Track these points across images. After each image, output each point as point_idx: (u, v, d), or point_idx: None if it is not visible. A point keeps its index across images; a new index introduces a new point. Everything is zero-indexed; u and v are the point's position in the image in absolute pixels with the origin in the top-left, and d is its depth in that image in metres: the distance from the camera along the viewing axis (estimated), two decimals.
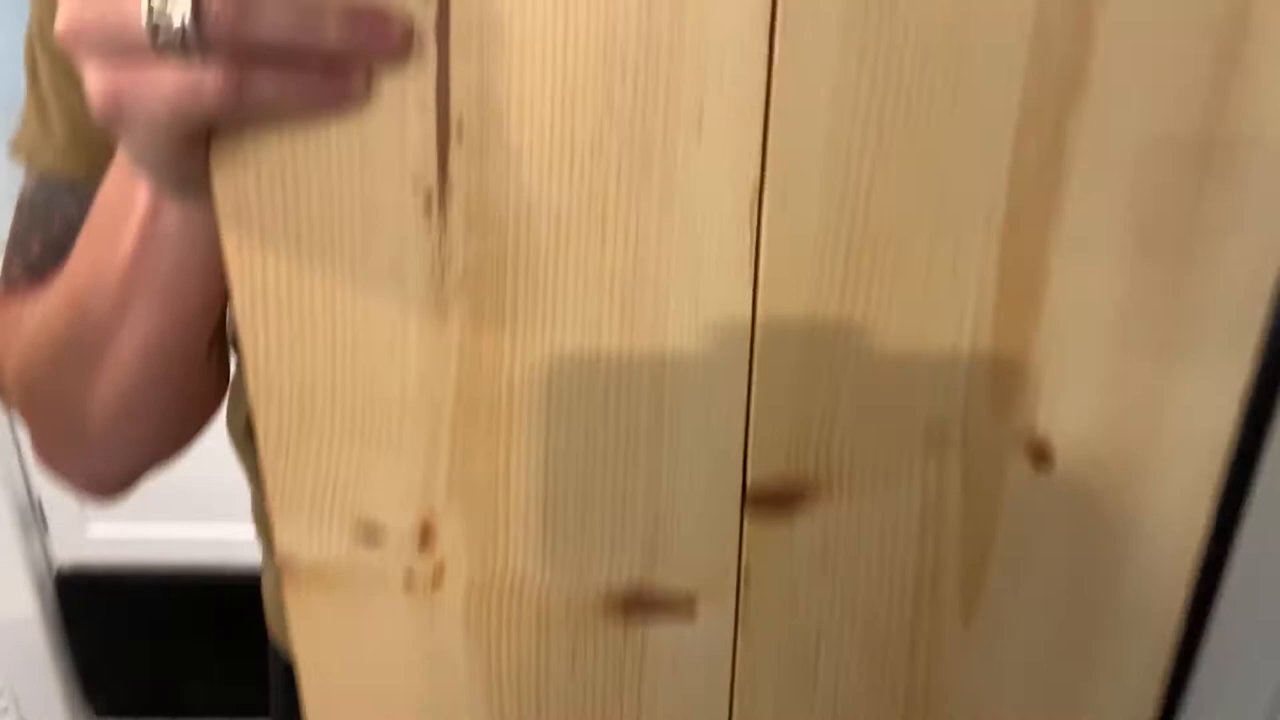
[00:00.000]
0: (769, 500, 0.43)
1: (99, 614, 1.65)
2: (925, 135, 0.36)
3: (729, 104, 0.36)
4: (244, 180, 0.37)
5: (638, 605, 0.45)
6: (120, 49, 0.33)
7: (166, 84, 0.33)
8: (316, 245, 0.39)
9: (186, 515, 1.56)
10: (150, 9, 0.32)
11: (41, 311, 0.51)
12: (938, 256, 0.38)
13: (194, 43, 0.32)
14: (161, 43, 0.32)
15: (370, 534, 0.44)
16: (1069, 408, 0.41)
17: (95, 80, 0.34)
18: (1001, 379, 0.40)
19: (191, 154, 0.36)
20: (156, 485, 0.60)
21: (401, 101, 0.36)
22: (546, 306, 0.39)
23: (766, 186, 0.37)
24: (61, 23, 0.33)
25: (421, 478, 0.43)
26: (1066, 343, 0.40)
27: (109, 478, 0.56)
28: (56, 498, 1.58)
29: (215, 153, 0.37)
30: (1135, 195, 0.37)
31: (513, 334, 0.40)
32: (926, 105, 0.36)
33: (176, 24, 0.32)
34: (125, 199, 0.43)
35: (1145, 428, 0.41)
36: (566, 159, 0.37)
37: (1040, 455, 0.42)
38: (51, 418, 0.53)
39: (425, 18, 0.35)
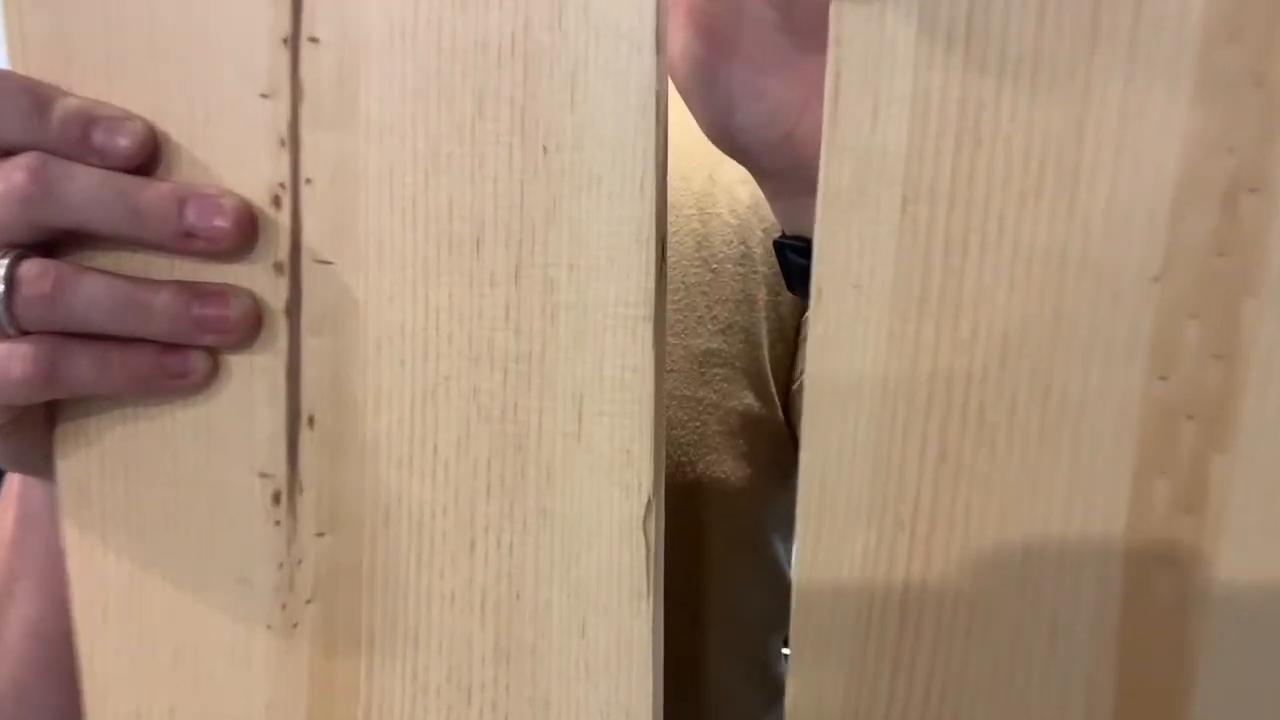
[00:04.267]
0: None
1: None
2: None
3: (614, 399, 0.31)
4: (86, 464, 0.34)
5: None
6: None
7: None
8: (159, 543, 0.34)
9: None
10: None
11: None
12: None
13: (5, 320, 0.30)
14: None
15: None
16: None
17: None
18: None
19: (11, 436, 0.33)
20: None
21: (249, 387, 0.32)
22: (408, 628, 0.33)
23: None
24: None
25: None
26: None
27: None
28: None
29: (59, 433, 0.34)
30: None
31: (369, 659, 0.34)
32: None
33: None
34: (10, 479, 0.41)
35: None
36: (429, 458, 0.32)
37: None
38: None
39: (276, 297, 0.32)
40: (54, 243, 0.31)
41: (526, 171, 0.30)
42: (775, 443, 0.54)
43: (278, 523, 0.33)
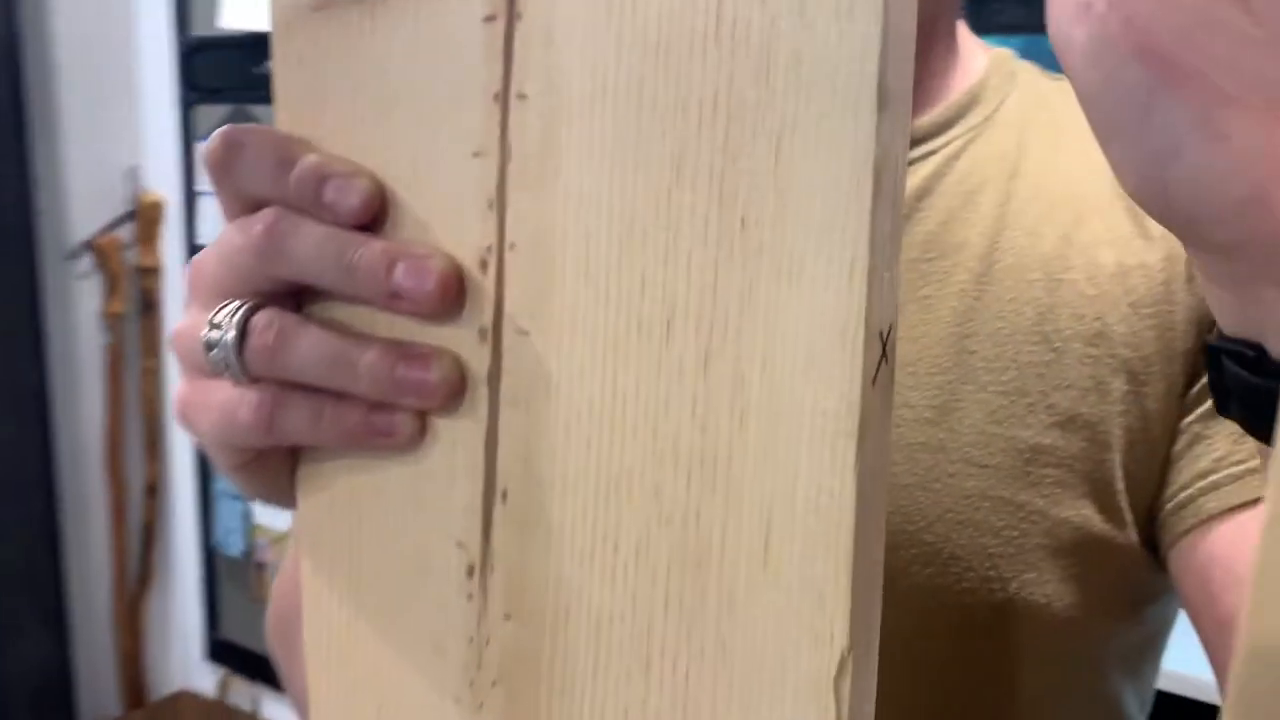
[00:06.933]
0: None
1: None
2: None
3: (806, 526, 0.26)
4: (319, 507, 0.35)
5: None
6: (195, 363, 0.33)
7: (214, 402, 0.32)
8: (371, 596, 0.34)
9: None
10: (209, 329, 0.31)
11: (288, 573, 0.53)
12: None
13: (237, 367, 0.31)
14: (213, 362, 0.31)
15: None
16: None
17: (178, 388, 0.34)
18: None
19: (255, 472, 0.34)
20: None
21: (452, 453, 0.31)
22: None
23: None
24: (173, 330, 0.34)
25: None
26: None
27: None
28: None
29: (300, 472, 0.35)
30: None
31: None
32: None
33: (226, 346, 0.31)
34: None
35: None
36: (609, 557, 0.29)
37: None
38: (280, 672, 0.55)
39: (479, 364, 0.30)
40: (303, 291, 0.33)
41: (722, 248, 0.26)
42: (1121, 567, 0.44)
43: (470, 596, 0.32)
